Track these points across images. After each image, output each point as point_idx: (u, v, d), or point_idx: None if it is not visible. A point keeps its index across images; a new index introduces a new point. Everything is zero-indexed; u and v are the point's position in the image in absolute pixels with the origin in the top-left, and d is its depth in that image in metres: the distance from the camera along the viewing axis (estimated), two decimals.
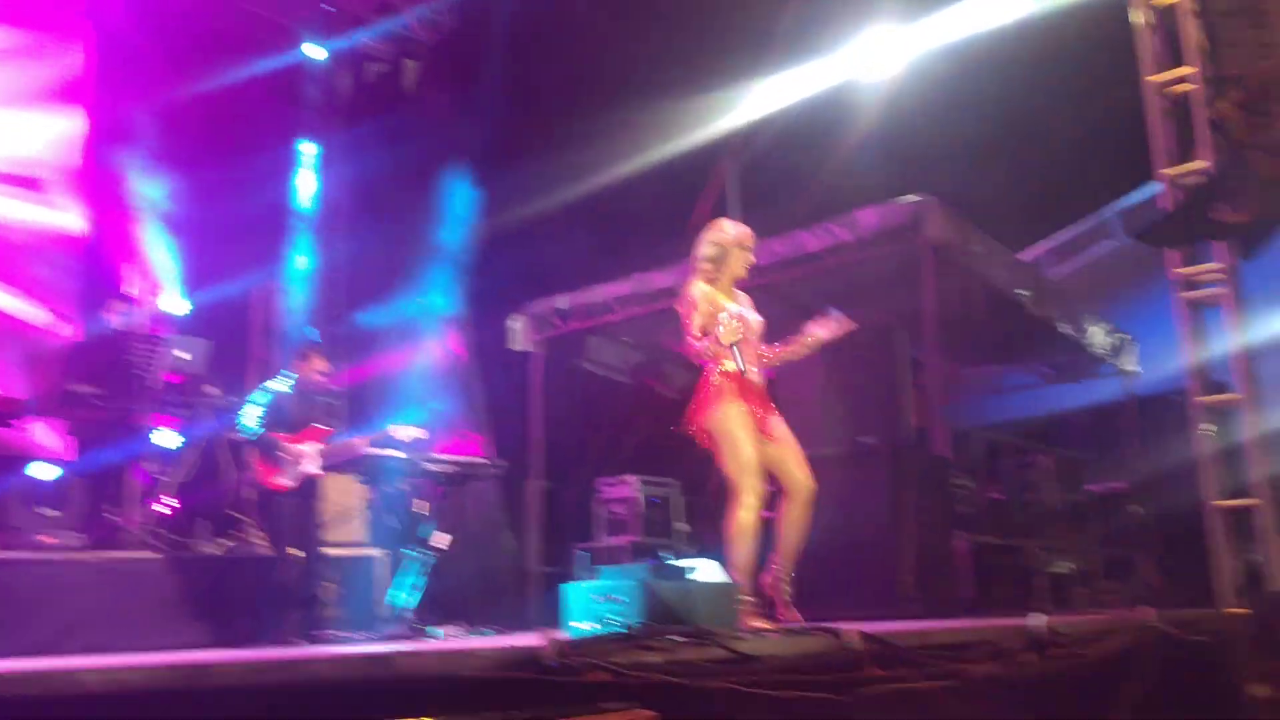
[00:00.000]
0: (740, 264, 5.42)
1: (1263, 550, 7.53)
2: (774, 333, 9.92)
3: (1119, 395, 11.23)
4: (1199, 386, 7.71)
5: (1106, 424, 11.39)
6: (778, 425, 5.38)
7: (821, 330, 5.49)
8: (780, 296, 9.22)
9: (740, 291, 5.54)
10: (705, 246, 5.40)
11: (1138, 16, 8.03)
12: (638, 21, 12.17)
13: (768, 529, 5.34)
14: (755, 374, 5.34)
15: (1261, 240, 7.58)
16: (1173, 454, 9.47)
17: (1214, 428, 7.62)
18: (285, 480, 6.71)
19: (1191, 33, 7.82)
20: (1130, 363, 11.09)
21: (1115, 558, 10.01)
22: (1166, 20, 8.01)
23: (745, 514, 5.11)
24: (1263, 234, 7.57)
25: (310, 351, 7.16)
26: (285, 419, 6.85)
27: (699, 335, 5.16)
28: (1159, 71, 7.97)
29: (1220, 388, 8.05)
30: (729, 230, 5.45)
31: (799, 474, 5.33)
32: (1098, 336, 10.34)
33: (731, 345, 5.09)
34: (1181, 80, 7.82)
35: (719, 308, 5.23)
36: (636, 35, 11.92)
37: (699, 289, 5.30)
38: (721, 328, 5.03)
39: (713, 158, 11.38)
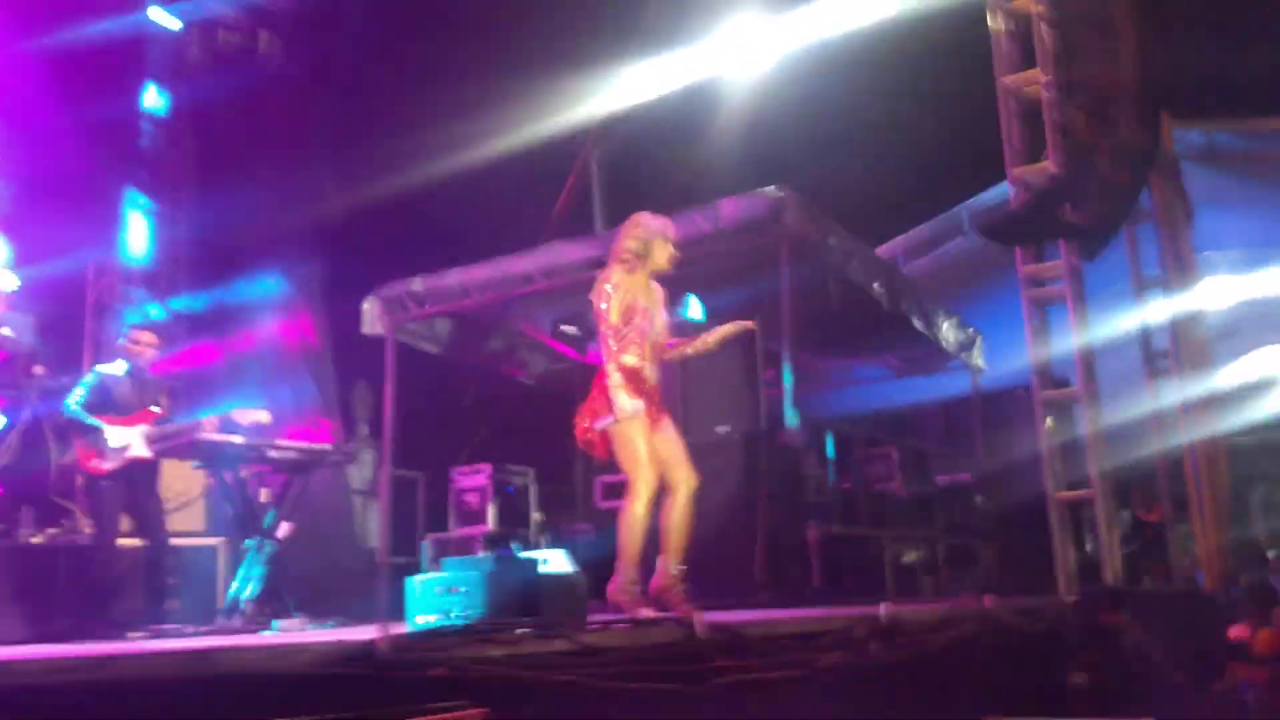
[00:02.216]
0: (663, 257, 5.41)
1: (1096, 541, 7.83)
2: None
3: (966, 389, 11.54)
4: (1042, 381, 7.97)
5: (954, 417, 11.71)
6: (667, 423, 5.38)
7: (723, 329, 5.57)
8: None
9: (657, 285, 5.47)
10: (629, 239, 5.37)
11: (994, 21, 8.23)
12: (504, 3, 11.99)
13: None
14: (653, 371, 5.34)
15: (1103, 240, 7.87)
16: (1016, 447, 9.78)
17: (1054, 421, 7.88)
18: (105, 464, 6.36)
19: (1044, 38, 8.05)
20: (977, 357, 11.41)
21: (960, 547, 10.28)
22: (1021, 25, 8.24)
23: (638, 507, 5.11)
24: (1105, 234, 7.86)
25: (144, 331, 6.81)
26: (113, 401, 6.49)
27: (616, 323, 5.17)
28: (1012, 74, 8.19)
29: (1062, 383, 8.33)
30: (652, 224, 5.44)
31: (684, 471, 5.32)
32: (948, 331, 10.59)
33: (634, 340, 5.18)
34: (1033, 83, 8.06)
35: (634, 300, 5.25)
36: (503, 13, 11.73)
37: (618, 277, 5.27)
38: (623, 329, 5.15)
39: (577, 143, 11.29)
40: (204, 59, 12.37)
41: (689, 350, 5.60)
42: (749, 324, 5.67)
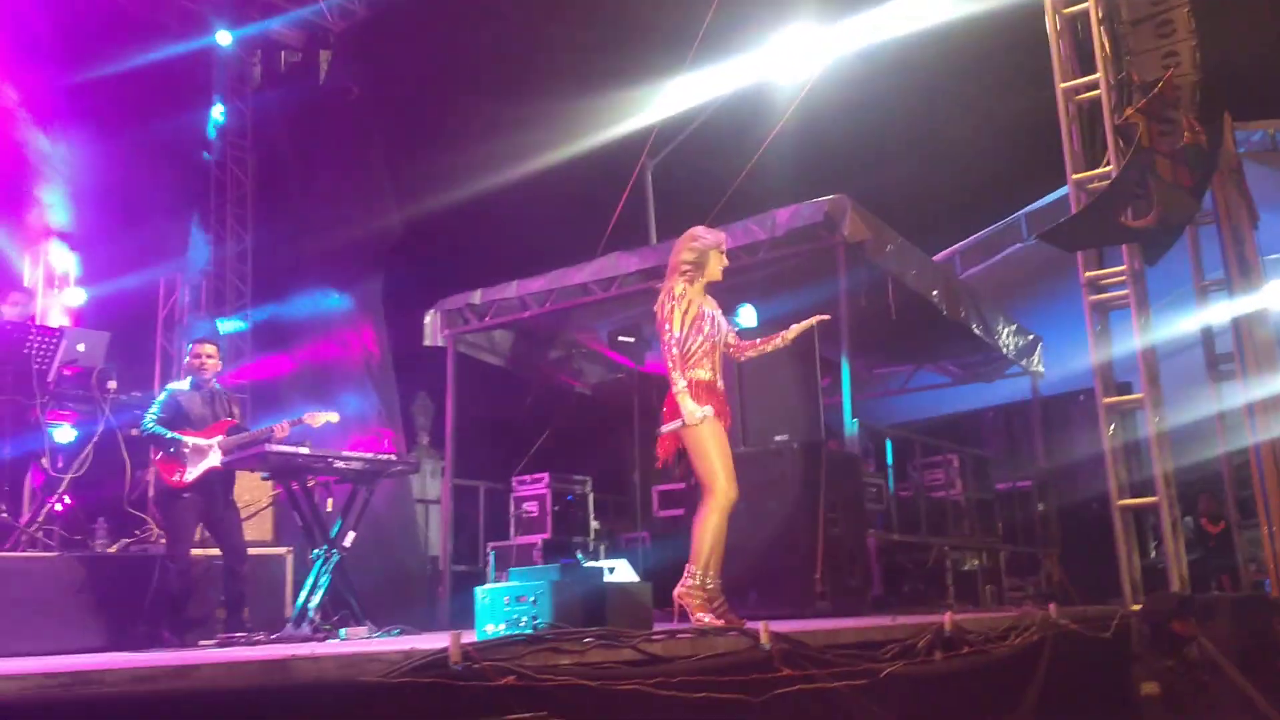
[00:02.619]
0: (717, 267, 5.49)
1: (1162, 548, 7.74)
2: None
3: (1026, 395, 11.45)
4: (1105, 387, 7.90)
5: (1014, 423, 11.62)
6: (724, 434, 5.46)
7: (799, 325, 5.64)
8: None
9: (710, 296, 5.56)
10: (685, 252, 5.46)
11: (1051, 25, 8.20)
12: (556, 15, 12.09)
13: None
14: (720, 380, 5.45)
15: (1164, 244, 7.79)
16: (1077, 452, 9.70)
17: (1117, 428, 7.81)
18: (187, 476, 6.51)
19: (1102, 42, 8.00)
20: (1037, 363, 11.31)
21: (1021, 554, 10.20)
22: (1079, 29, 8.20)
23: (716, 516, 5.22)
24: (1167, 238, 7.79)
25: (205, 344, 6.97)
26: (186, 415, 6.65)
27: (680, 335, 5.27)
28: (1069, 78, 8.14)
29: (1124, 388, 8.26)
30: (707, 236, 5.52)
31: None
32: (1007, 337, 10.52)
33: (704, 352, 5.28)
34: (1090, 88, 8.01)
35: (700, 309, 5.35)
36: (554, 29, 11.85)
37: (680, 289, 5.37)
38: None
39: (631, 155, 11.35)
40: (267, 79, 12.64)
41: (768, 348, 5.66)
42: (824, 316, 5.76)
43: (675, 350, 5.25)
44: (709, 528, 5.23)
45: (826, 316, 5.80)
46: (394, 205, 12.12)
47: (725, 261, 5.52)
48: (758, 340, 5.62)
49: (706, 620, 4.95)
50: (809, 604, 6.58)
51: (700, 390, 5.26)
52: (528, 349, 10.94)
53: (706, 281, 5.47)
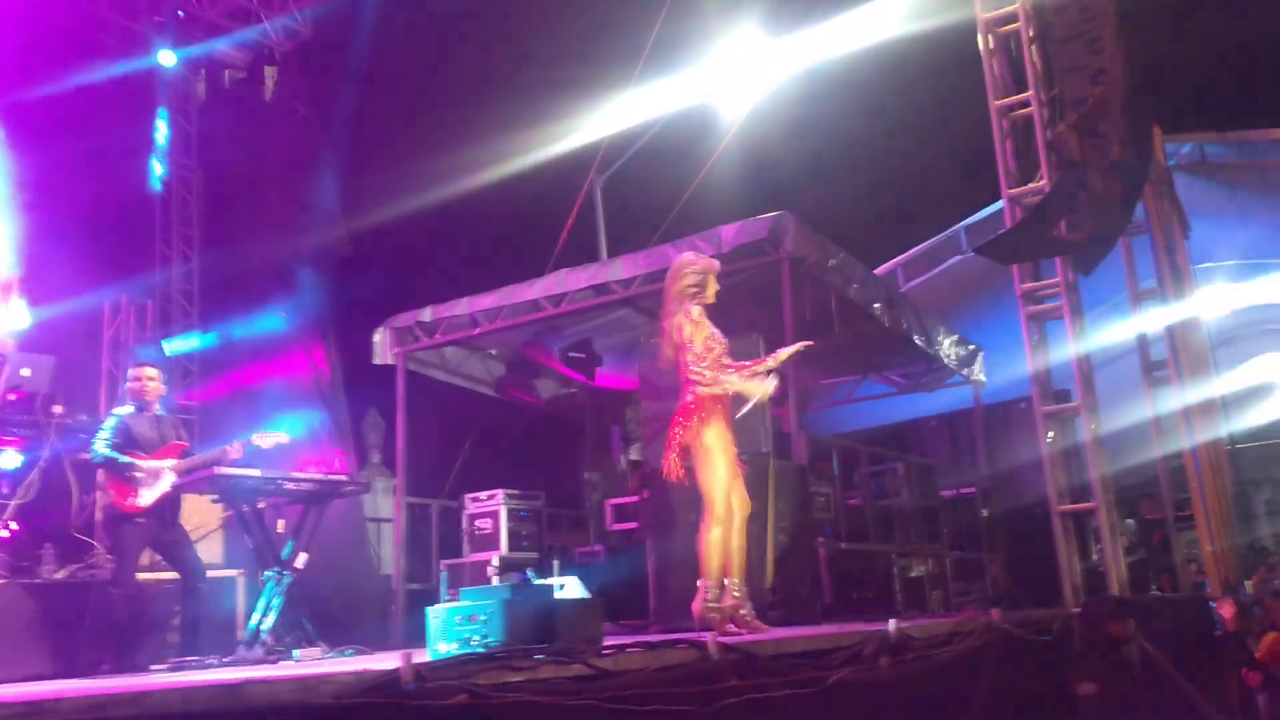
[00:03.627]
0: (713, 290, 5.83)
1: (1101, 551, 7.95)
2: (636, 345, 10.00)
3: (968, 402, 11.66)
4: (1042, 396, 8.10)
5: (957, 431, 11.82)
6: None
7: (785, 350, 5.93)
8: (643, 309, 9.32)
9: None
10: (687, 277, 5.79)
11: (984, 43, 8.41)
12: (502, 34, 12.17)
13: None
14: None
15: (1097, 255, 8.02)
16: (1019, 458, 9.90)
17: (1055, 434, 8.01)
18: (141, 501, 6.48)
19: (1033, 59, 8.22)
20: (979, 372, 11.52)
21: (967, 560, 10.39)
22: (1011, 47, 8.42)
23: (716, 530, 5.52)
24: (1100, 250, 8.01)
25: (146, 368, 6.93)
26: (135, 440, 6.62)
27: (700, 352, 5.58)
28: (1003, 95, 8.36)
29: (1063, 395, 8.47)
30: (701, 261, 5.88)
31: (743, 493, 5.72)
32: (949, 347, 10.72)
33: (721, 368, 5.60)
34: (1023, 104, 8.22)
35: (710, 330, 5.68)
36: (501, 48, 11.92)
37: (697, 313, 5.68)
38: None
39: (580, 171, 11.44)
40: (212, 98, 12.58)
41: (760, 368, 5.87)
42: (809, 344, 6.08)
43: (697, 370, 5.58)
44: (711, 542, 5.53)
45: (812, 343, 6.14)
46: (343, 223, 12.08)
47: (717, 285, 5.87)
48: (749, 362, 5.86)
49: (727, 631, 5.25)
50: (760, 614, 6.67)
51: (714, 404, 5.59)
52: (479, 366, 10.98)
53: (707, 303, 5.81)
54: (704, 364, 5.59)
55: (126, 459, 6.51)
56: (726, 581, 5.55)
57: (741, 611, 5.51)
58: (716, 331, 5.76)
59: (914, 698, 4.93)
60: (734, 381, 5.61)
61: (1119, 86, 7.76)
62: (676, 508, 7.41)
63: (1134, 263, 9.26)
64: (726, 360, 5.73)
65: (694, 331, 5.62)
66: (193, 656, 6.41)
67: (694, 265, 5.82)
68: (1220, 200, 9.83)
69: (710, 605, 5.46)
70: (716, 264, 5.94)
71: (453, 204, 11.11)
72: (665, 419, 7.74)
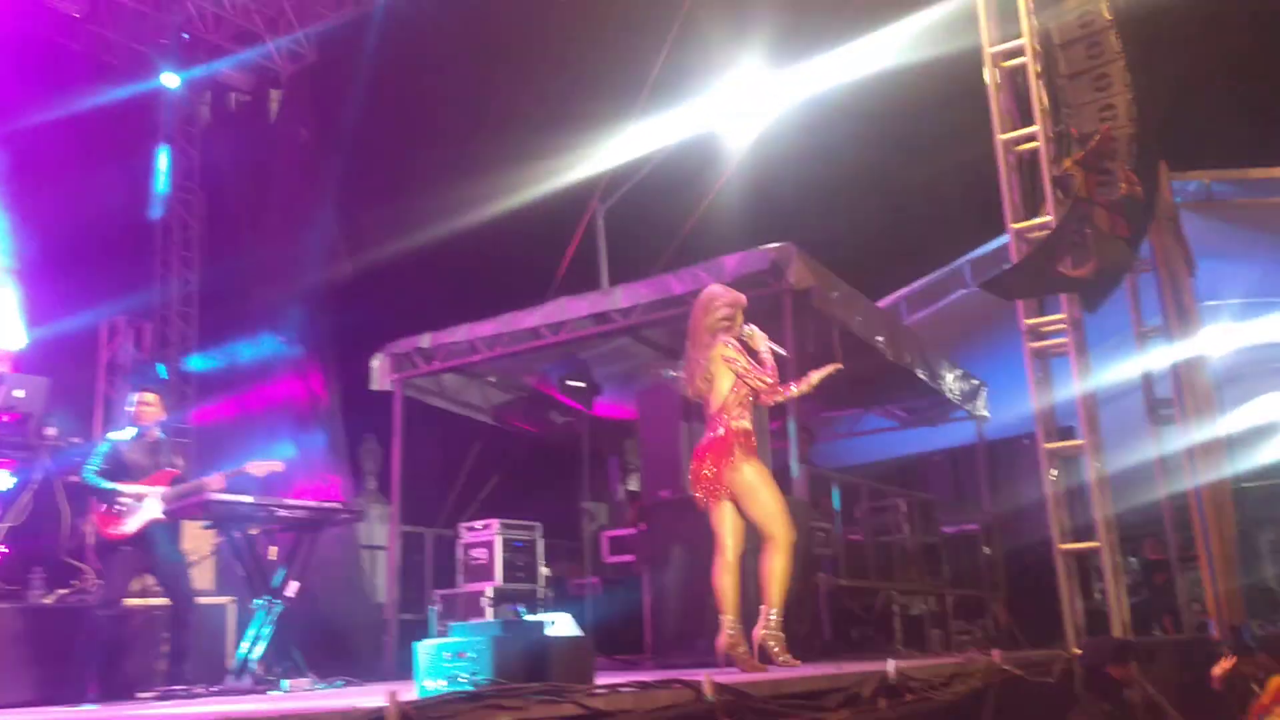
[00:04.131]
0: (740, 324, 5.88)
1: (1104, 591, 7.84)
2: (635, 375, 9.93)
3: (971, 439, 11.58)
4: (1046, 434, 8.01)
5: (960, 467, 11.73)
6: None
7: (818, 372, 5.96)
8: (644, 339, 9.27)
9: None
10: (717, 313, 5.83)
11: (990, 77, 8.38)
12: (505, 63, 12.17)
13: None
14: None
15: (1103, 293, 7.95)
16: (1022, 496, 9.81)
17: (1058, 473, 7.92)
18: (125, 528, 6.41)
19: (1040, 94, 8.19)
20: (982, 408, 11.45)
21: (968, 598, 10.27)
22: (1018, 80, 8.38)
23: (781, 557, 5.58)
24: (1105, 287, 7.94)
25: (146, 393, 6.87)
26: (126, 466, 6.55)
27: (768, 373, 5.71)
28: (1009, 129, 8.32)
29: (1066, 433, 8.38)
30: (730, 294, 5.94)
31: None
32: (952, 382, 10.65)
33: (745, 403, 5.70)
34: (1029, 139, 8.18)
35: (739, 364, 5.71)
36: (504, 76, 11.92)
37: (730, 352, 5.72)
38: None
39: (583, 200, 11.41)
40: (215, 120, 12.59)
41: (794, 394, 5.94)
42: (839, 366, 6.09)
43: (734, 408, 5.66)
44: (777, 570, 5.58)
45: (840, 365, 6.13)
46: (344, 248, 12.06)
47: (744, 319, 5.91)
48: (783, 386, 5.86)
49: (784, 661, 5.42)
50: (759, 652, 6.56)
51: (744, 438, 5.63)
52: (477, 393, 10.91)
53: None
54: (765, 372, 5.69)
55: (110, 485, 6.45)
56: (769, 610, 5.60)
57: (770, 641, 5.56)
58: (752, 360, 5.80)
59: None
60: (787, 389, 5.74)
61: (1126, 123, 7.72)
62: (674, 541, 7.34)
63: (1140, 300, 9.20)
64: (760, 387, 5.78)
65: (728, 369, 5.68)
66: (180, 685, 6.32)
67: (724, 299, 5.88)
68: (1226, 238, 9.79)
69: (773, 632, 5.54)
70: (744, 298, 5.99)
71: (455, 230, 11.07)
72: (664, 450, 7.71)
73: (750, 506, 5.62)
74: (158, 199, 12.03)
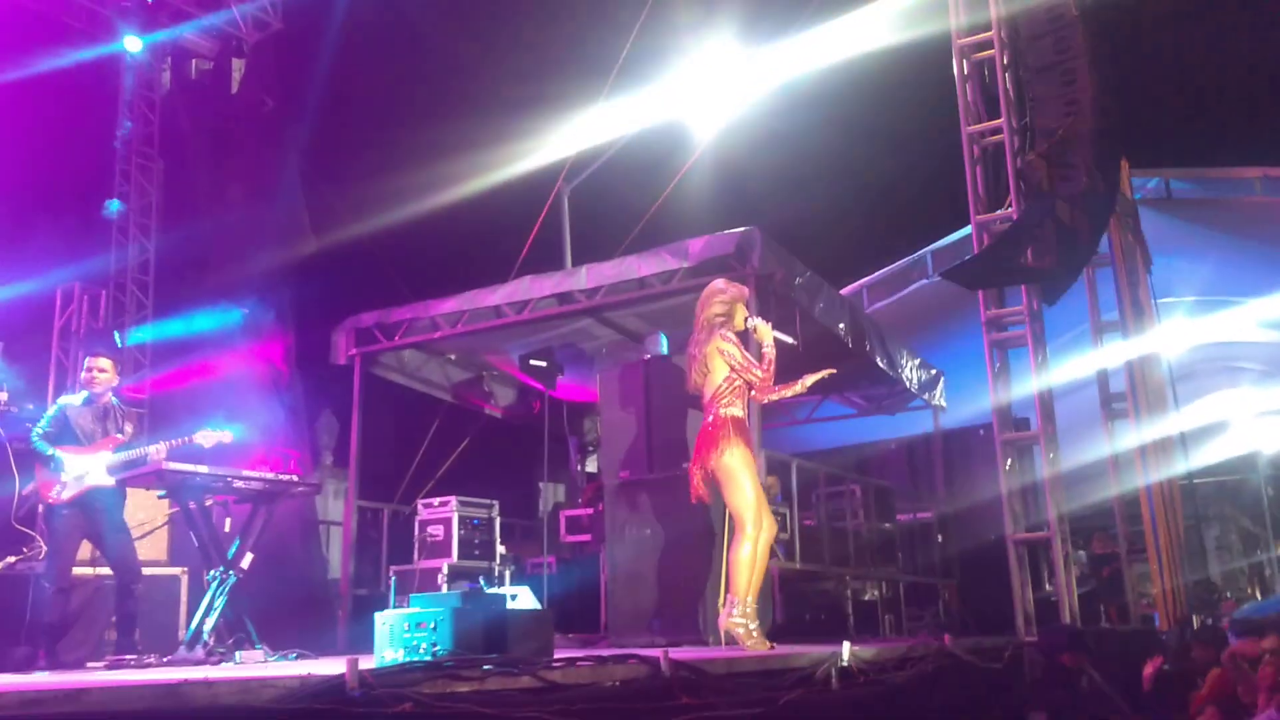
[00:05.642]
0: (742, 318, 5.95)
1: (1054, 581, 7.96)
2: (597, 356, 9.92)
3: (928, 428, 11.68)
4: (1002, 423, 8.11)
5: (916, 455, 11.84)
6: None
7: (809, 376, 6.11)
8: (607, 320, 9.26)
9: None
10: (716, 305, 5.92)
11: (958, 69, 8.44)
12: (474, 41, 12.10)
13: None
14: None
15: (1063, 285, 8.05)
16: (977, 485, 9.93)
17: (1013, 462, 8.02)
18: (63, 493, 6.34)
19: (1007, 87, 8.27)
20: (939, 397, 11.55)
21: (921, 585, 10.38)
22: (984, 72, 8.45)
23: (748, 547, 5.63)
24: (1065, 280, 8.04)
25: (100, 359, 6.78)
26: (73, 431, 6.47)
27: (763, 367, 5.79)
28: (975, 121, 8.39)
29: (1022, 424, 8.48)
30: (730, 290, 5.99)
31: (768, 516, 5.83)
32: (911, 371, 10.74)
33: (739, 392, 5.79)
34: (995, 131, 8.26)
35: (736, 358, 5.80)
36: (474, 53, 11.84)
37: (728, 345, 5.79)
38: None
39: (549, 179, 11.38)
40: (177, 87, 12.40)
41: (787, 393, 6.05)
42: (832, 370, 6.25)
43: (726, 397, 5.77)
44: (743, 560, 5.64)
45: (834, 370, 6.31)
46: (307, 220, 11.94)
47: (747, 312, 6.02)
48: (777, 386, 5.97)
49: (752, 647, 5.42)
50: (706, 631, 6.62)
51: (736, 427, 5.73)
52: (438, 370, 10.86)
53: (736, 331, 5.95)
54: (760, 367, 5.78)
55: (51, 450, 6.37)
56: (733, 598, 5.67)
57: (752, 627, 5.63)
58: (751, 354, 5.88)
59: None
60: (735, 414, 5.74)
61: (1089, 119, 7.81)
62: (632, 522, 7.36)
63: (1097, 294, 9.32)
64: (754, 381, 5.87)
65: (735, 354, 5.76)
66: (131, 655, 6.26)
67: (723, 294, 5.94)
68: (1183, 236, 9.93)
69: (738, 621, 5.58)
70: (746, 291, 6.07)
71: (420, 206, 11.00)
72: (624, 432, 7.72)
73: (727, 492, 5.71)
74: (117, 164, 11.83)
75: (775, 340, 5.92)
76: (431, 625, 3.85)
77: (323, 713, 3.03)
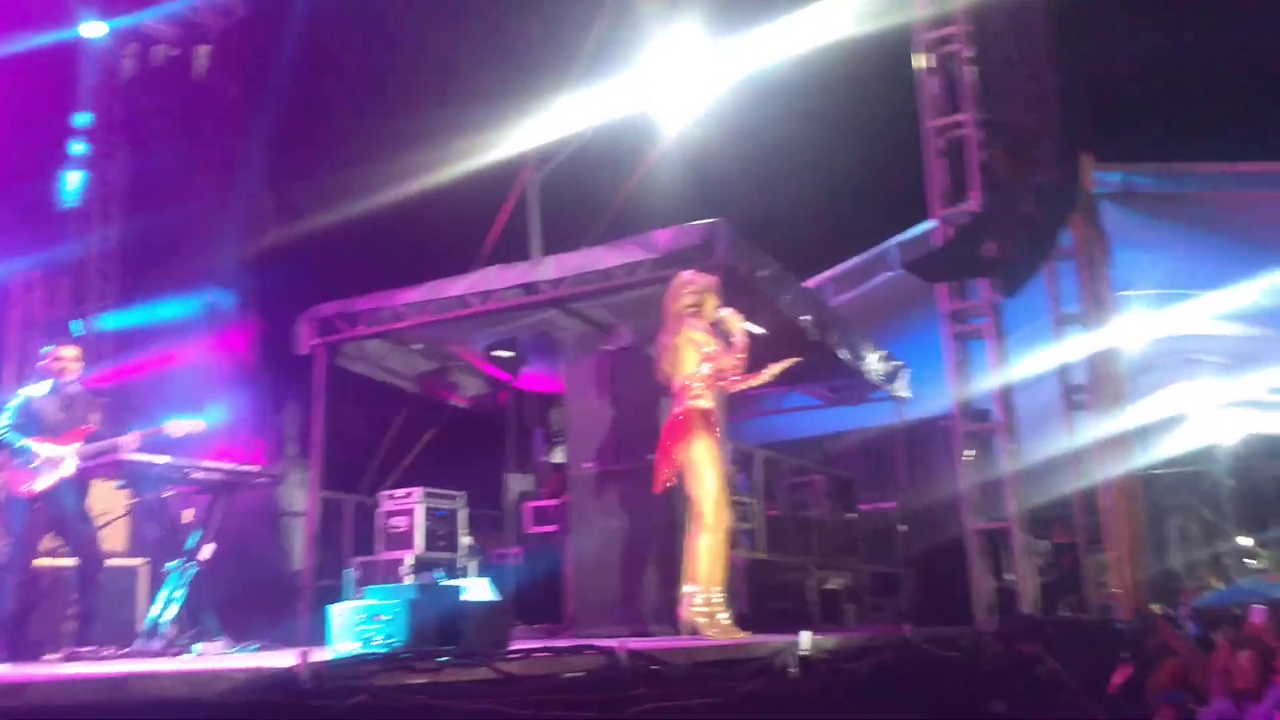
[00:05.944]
0: (712, 308, 5.99)
1: (1014, 571, 8.04)
2: (563, 347, 9.91)
3: (891, 418, 11.74)
4: (963, 415, 8.18)
5: (879, 446, 11.91)
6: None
7: (775, 365, 6.17)
8: (573, 311, 9.24)
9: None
10: (685, 297, 5.97)
11: (920, 61, 8.48)
12: (442, 29, 12.03)
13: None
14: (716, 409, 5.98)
15: (1024, 278, 8.12)
16: (938, 477, 9.99)
17: (974, 453, 8.09)
18: (37, 485, 6.27)
19: (968, 80, 8.31)
20: (902, 389, 11.61)
21: (883, 575, 10.44)
22: (947, 66, 8.49)
23: (706, 536, 5.70)
24: (1025, 272, 8.11)
25: (65, 347, 6.70)
26: (40, 422, 6.39)
27: (692, 373, 5.81)
28: (937, 114, 8.44)
29: (983, 415, 8.55)
30: (700, 280, 6.05)
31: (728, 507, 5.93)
32: (873, 363, 10.78)
33: (704, 382, 5.83)
34: (958, 124, 8.31)
35: (706, 348, 5.88)
36: (440, 41, 11.78)
37: (698, 335, 5.88)
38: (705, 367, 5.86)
39: (515, 169, 11.33)
40: (140, 74, 12.26)
41: (755, 382, 6.13)
42: (799, 360, 6.36)
43: (696, 387, 5.81)
44: (700, 550, 5.71)
45: (801, 359, 6.43)
46: (272, 209, 11.86)
47: (719, 302, 6.05)
48: (742, 378, 6.06)
49: (714, 636, 5.49)
50: (672, 622, 6.63)
51: (701, 418, 5.78)
52: (402, 360, 10.80)
53: (705, 322, 5.99)
54: (729, 357, 5.84)
55: (23, 442, 6.29)
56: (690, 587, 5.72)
57: (722, 616, 5.70)
58: (721, 344, 5.92)
59: (825, 710, 4.92)
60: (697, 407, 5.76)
61: (1052, 113, 7.87)
62: (597, 513, 7.37)
63: (1058, 287, 9.38)
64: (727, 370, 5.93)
65: (693, 355, 5.82)
66: (89, 647, 6.21)
67: (692, 285, 5.99)
68: (1143, 230, 9.99)
69: (698, 609, 5.64)
70: (716, 281, 6.10)
71: (387, 195, 10.93)
72: (589, 423, 7.71)
73: (690, 482, 5.77)
74: (76, 151, 11.69)
75: (744, 330, 5.96)
76: (386, 617, 3.84)
77: (275, 705, 3.02)
